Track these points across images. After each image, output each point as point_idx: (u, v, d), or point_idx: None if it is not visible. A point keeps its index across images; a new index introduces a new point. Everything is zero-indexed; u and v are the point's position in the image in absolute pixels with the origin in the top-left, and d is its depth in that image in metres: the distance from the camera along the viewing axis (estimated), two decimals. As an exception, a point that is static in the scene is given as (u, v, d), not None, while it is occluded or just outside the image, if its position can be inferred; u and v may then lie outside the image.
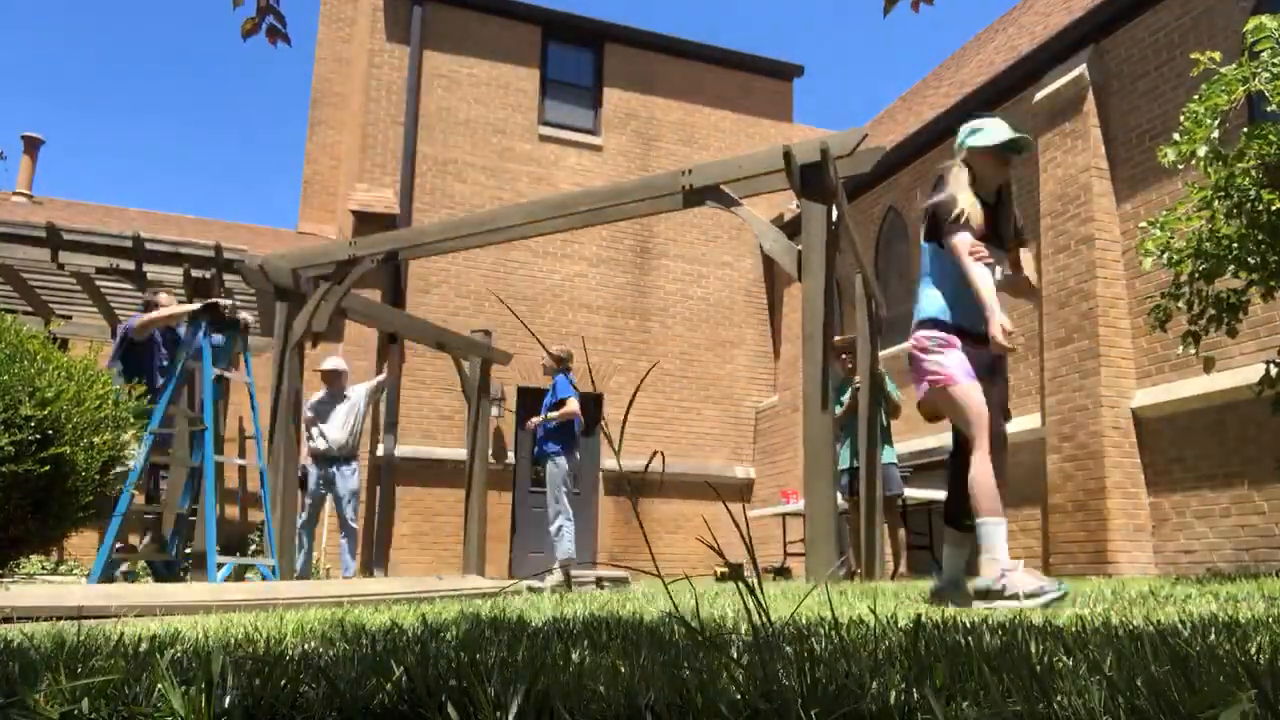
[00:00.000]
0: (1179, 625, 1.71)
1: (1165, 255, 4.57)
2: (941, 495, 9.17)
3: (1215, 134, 4.30)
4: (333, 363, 8.05)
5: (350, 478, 7.76)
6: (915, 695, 0.91)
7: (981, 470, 3.23)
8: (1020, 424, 8.35)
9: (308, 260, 6.99)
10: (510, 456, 11.38)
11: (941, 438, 9.45)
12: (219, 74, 55.13)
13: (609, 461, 11.78)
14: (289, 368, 6.65)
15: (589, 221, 6.61)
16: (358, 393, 8.03)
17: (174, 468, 6.38)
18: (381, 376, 8.51)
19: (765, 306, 13.35)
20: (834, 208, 5.34)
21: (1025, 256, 3.62)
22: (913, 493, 8.48)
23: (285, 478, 6.54)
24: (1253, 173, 4.25)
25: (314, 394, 8.05)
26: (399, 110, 11.95)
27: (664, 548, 11.63)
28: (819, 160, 5.14)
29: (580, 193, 6.52)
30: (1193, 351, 4.68)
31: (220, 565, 5.80)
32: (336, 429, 7.72)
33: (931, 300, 3.49)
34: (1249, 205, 4.24)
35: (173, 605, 3.59)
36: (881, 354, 7.12)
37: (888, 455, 7.10)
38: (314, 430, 7.74)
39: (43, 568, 9.27)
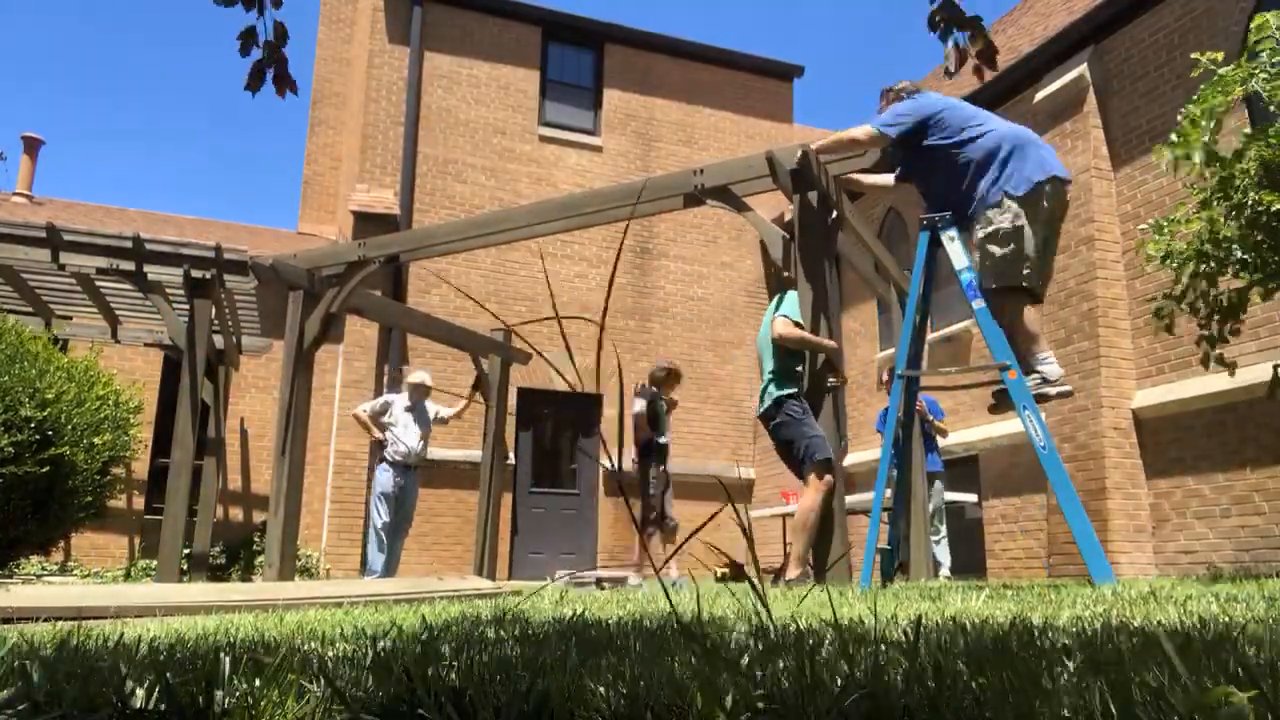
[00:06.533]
0: (1179, 625, 1.71)
1: (1166, 259, 4.56)
2: (947, 496, 9.12)
3: (1208, 135, 4.30)
4: (419, 376, 8.59)
5: (418, 487, 8.52)
6: (915, 695, 0.91)
7: None
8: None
9: (322, 260, 6.96)
10: (511, 457, 11.37)
11: (948, 437, 9.44)
12: (219, 73, 55.19)
13: (609, 461, 11.77)
14: (301, 369, 6.62)
15: (602, 220, 6.55)
16: (433, 411, 8.56)
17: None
18: (461, 406, 8.71)
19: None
20: (831, 208, 5.33)
21: None
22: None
23: (293, 480, 6.51)
24: (1252, 173, 4.25)
25: (394, 395, 8.63)
26: (399, 110, 11.95)
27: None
28: (803, 166, 5.11)
29: (592, 192, 6.47)
30: (1217, 353, 4.60)
31: None
32: (415, 440, 8.26)
33: None
34: (1248, 206, 4.24)
35: (172, 606, 3.59)
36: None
37: None
38: (393, 435, 8.25)
39: (43, 568, 9.27)
